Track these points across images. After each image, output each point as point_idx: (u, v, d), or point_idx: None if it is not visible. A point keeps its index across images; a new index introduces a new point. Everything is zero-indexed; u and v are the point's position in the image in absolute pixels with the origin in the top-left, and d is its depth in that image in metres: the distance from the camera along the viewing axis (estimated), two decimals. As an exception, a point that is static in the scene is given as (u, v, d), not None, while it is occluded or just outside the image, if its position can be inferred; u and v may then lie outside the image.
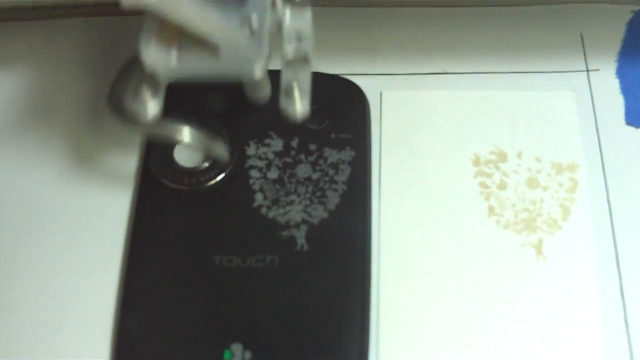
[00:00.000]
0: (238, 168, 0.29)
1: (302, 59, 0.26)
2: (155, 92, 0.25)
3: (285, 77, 0.25)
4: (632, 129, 0.30)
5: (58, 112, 0.31)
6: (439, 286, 0.27)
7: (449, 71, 0.32)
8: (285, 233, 0.27)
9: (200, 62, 0.24)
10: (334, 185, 0.28)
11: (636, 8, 0.32)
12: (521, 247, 0.28)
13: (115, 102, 0.26)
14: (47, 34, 0.33)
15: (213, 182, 0.29)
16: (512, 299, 0.27)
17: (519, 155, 0.30)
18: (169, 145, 0.30)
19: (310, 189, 0.28)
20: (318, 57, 0.29)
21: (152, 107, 0.25)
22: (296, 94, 0.25)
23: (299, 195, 0.28)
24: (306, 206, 0.28)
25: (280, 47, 0.26)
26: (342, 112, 0.30)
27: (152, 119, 0.25)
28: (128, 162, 0.30)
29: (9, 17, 0.33)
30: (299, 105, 0.25)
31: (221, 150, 0.28)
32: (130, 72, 0.26)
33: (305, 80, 0.25)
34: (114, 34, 0.27)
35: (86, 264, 0.28)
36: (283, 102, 0.25)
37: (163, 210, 0.28)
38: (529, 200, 0.29)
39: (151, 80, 0.25)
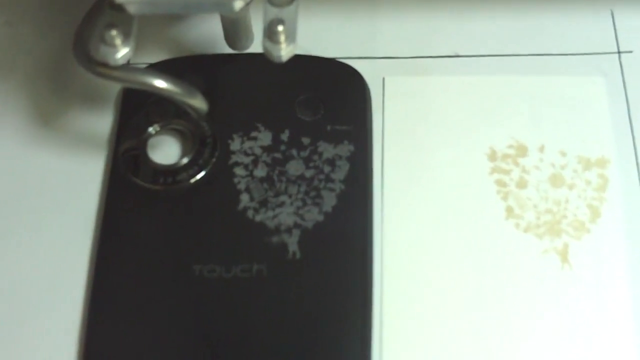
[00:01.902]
0: (220, 165, 0.29)
1: None
2: (126, 35, 0.25)
3: (268, 14, 0.25)
4: (670, 119, 0.30)
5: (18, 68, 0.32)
6: (449, 299, 0.27)
7: (460, 53, 0.32)
8: (274, 239, 0.27)
9: None
10: (330, 184, 0.28)
11: (673, -18, 0.33)
12: (544, 254, 0.28)
13: (82, 47, 0.26)
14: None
15: (192, 181, 0.29)
16: (534, 313, 0.27)
17: (541, 149, 0.30)
18: (141, 140, 0.30)
19: (303, 188, 0.28)
20: (311, 38, 0.31)
21: (122, 51, 0.25)
22: (281, 32, 0.25)
23: (290, 196, 0.28)
24: (298, 208, 0.28)
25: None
26: (339, 101, 0.30)
27: (123, 65, 0.26)
28: (101, 124, 0.30)
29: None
30: (284, 46, 0.25)
31: (199, 101, 0.28)
32: (98, 13, 0.26)
33: (291, 17, 0.25)
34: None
35: (49, 271, 0.28)
36: (266, 43, 0.25)
37: (135, 213, 0.28)
38: (553, 200, 0.29)
39: (121, 20, 0.25)
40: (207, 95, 0.29)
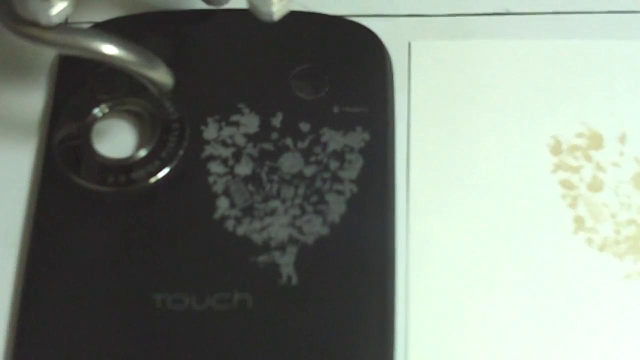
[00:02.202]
0: (190, 159, 0.27)
1: None
2: None
3: None
4: None
5: None
6: (499, 335, 0.25)
7: (512, 10, 0.30)
8: (262, 259, 0.26)
9: None
10: (337, 186, 0.27)
11: None
12: (625, 279, 0.26)
13: (4, 1, 0.25)
14: None
15: (152, 180, 0.27)
16: (614, 357, 0.25)
17: (621, 138, 0.28)
18: (84, 126, 0.28)
19: (301, 191, 0.27)
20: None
21: (59, 5, 0.24)
22: None
23: (284, 201, 0.27)
24: (295, 218, 0.26)
25: None
26: (350, 74, 0.28)
27: (60, 24, 0.24)
28: (29, 104, 0.29)
29: None
30: (277, 1, 0.24)
31: (162, 73, 0.27)
32: None
33: None
34: None
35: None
36: None
37: (75, 222, 0.27)
38: (637, 207, 0.27)
39: None
40: (173, 65, 0.27)
